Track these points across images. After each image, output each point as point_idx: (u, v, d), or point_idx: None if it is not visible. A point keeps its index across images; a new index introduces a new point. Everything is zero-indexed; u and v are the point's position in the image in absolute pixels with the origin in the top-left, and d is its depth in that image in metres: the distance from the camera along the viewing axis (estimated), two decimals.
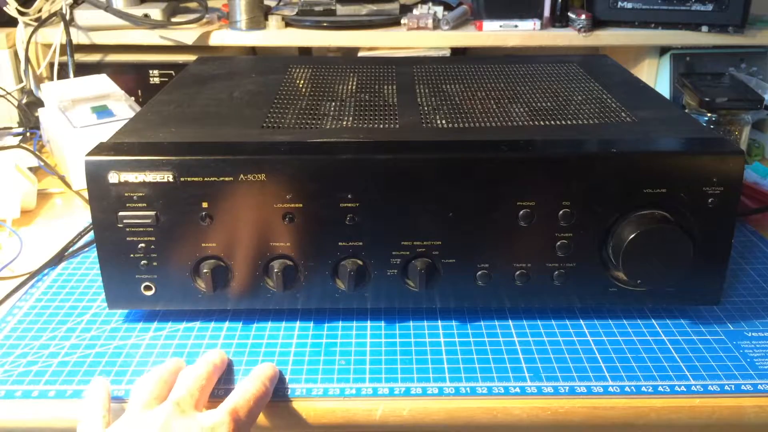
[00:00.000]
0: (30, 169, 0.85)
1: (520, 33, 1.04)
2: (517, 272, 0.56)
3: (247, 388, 0.48)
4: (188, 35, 1.02)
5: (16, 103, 1.02)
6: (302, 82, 0.76)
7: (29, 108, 1.01)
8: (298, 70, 0.80)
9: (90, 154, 0.53)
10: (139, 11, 1.02)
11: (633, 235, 0.53)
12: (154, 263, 0.55)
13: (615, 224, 0.54)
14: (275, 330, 0.59)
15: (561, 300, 0.58)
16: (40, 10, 1.03)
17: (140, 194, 0.53)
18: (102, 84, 0.92)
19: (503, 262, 0.56)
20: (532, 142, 0.57)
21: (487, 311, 0.61)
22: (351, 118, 0.63)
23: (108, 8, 1.01)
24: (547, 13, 1.06)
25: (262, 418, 0.51)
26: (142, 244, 0.55)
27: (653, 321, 0.60)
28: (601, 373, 0.54)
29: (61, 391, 0.52)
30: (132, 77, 1.02)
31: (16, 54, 1.04)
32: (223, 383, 0.52)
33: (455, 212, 0.54)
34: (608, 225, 0.55)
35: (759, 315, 0.61)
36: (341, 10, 1.06)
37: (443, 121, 0.62)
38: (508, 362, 0.55)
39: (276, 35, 1.05)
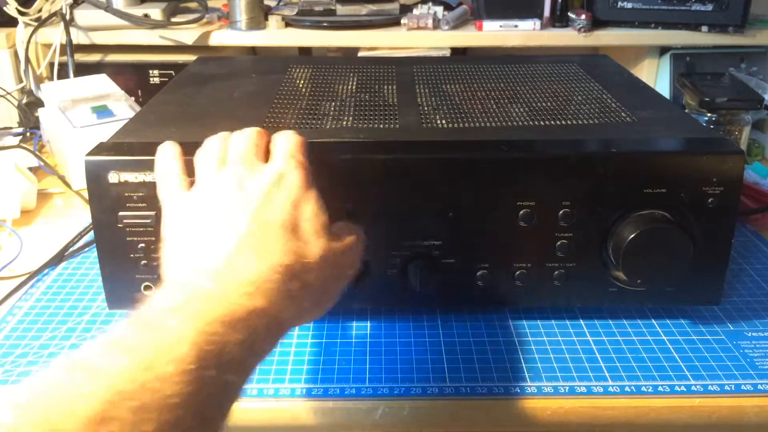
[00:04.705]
0: (30, 169, 0.85)
1: (520, 33, 1.04)
2: (517, 272, 0.56)
3: (291, 141, 0.46)
4: (188, 35, 1.02)
5: (16, 103, 1.02)
6: (302, 82, 0.76)
7: (29, 108, 1.01)
8: (298, 70, 0.80)
9: (90, 154, 0.53)
10: (139, 11, 1.02)
11: (633, 235, 0.52)
12: (154, 263, 0.55)
13: (615, 224, 0.54)
14: None
15: (561, 300, 0.58)
16: (40, 10, 1.03)
17: (140, 194, 0.53)
18: (102, 84, 0.92)
19: (503, 262, 0.56)
20: (532, 142, 0.57)
21: (487, 311, 0.61)
22: (351, 118, 0.63)
23: (108, 8, 1.01)
24: (547, 13, 1.07)
25: (261, 418, 0.51)
26: (142, 244, 0.54)
27: (653, 321, 0.60)
28: (601, 373, 0.54)
29: None
30: (132, 77, 1.03)
31: (16, 54, 1.04)
32: None
33: (455, 212, 0.54)
34: (608, 225, 0.55)
35: (759, 315, 0.61)
36: (341, 10, 1.06)
37: (443, 121, 0.62)
38: (508, 362, 0.55)
39: (276, 35, 1.05)
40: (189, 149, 0.55)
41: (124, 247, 0.55)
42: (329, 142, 0.57)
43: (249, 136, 0.47)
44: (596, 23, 1.04)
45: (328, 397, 0.51)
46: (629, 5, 1.03)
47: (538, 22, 1.04)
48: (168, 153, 0.48)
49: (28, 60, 1.02)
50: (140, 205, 0.53)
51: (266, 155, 0.46)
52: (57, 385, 0.30)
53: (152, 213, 0.53)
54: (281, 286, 0.38)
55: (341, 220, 0.46)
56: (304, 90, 0.73)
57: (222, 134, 0.48)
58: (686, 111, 0.86)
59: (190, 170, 0.47)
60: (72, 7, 1.03)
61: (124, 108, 0.89)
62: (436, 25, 1.05)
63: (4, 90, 1.02)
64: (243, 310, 0.36)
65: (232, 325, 0.35)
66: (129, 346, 0.33)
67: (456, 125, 0.61)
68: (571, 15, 1.06)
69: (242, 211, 0.41)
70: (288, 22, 1.06)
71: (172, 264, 0.42)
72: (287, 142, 0.46)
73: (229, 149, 0.46)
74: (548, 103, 0.67)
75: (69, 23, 1.01)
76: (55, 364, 0.32)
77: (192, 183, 0.46)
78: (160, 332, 0.33)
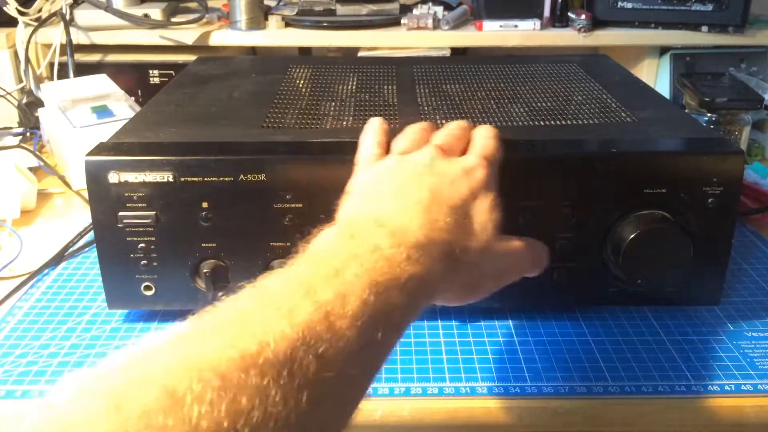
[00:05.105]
0: (30, 169, 0.85)
1: (520, 33, 1.04)
2: None
3: (486, 140, 0.49)
4: (188, 35, 1.02)
5: (16, 103, 1.02)
6: (302, 82, 0.76)
7: (29, 108, 1.01)
8: (298, 70, 0.80)
9: (90, 154, 0.53)
10: (139, 11, 1.02)
11: (633, 235, 0.53)
12: (154, 263, 0.55)
13: (615, 224, 0.54)
14: None
15: (561, 300, 0.58)
16: (40, 10, 1.03)
17: (140, 194, 0.53)
18: (102, 84, 0.92)
19: None
20: (532, 142, 0.57)
21: (487, 311, 0.61)
22: (351, 118, 0.63)
23: (108, 8, 1.01)
24: (547, 13, 1.07)
25: None
26: (142, 244, 0.54)
27: (653, 321, 0.60)
28: (601, 373, 0.54)
29: None
30: (132, 77, 1.02)
31: (16, 54, 1.04)
32: None
33: None
34: (608, 225, 0.55)
35: (759, 315, 0.61)
36: (341, 10, 1.06)
37: (443, 121, 0.62)
38: (508, 362, 0.55)
39: (276, 35, 1.05)
40: (193, 149, 0.55)
41: (124, 247, 0.55)
42: (329, 142, 0.57)
43: (453, 128, 0.50)
44: (596, 23, 1.04)
45: None
46: (629, 5, 1.03)
47: (538, 22, 1.04)
48: (376, 123, 0.52)
49: (28, 60, 1.02)
50: (140, 205, 0.53)
51: (464, 150, 0.49)
52: (249, 316, 0.31)
53: (152, 213, 0.53)
54: (437, 259, 0.39)
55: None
56: (304, 90, 0.73)
57: (426, 123, 0.51)
58: (686, 111, 0.86)
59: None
60: (72, 7, 1.03)
61: (124, 108, 0.89)
62: (436, 25, 1.05)
63: (4, 90, 1.02)
64: (405, 275, 0.37)
65: (397, 287, 0.36)
66: (312, 291, 0.33)
67: None
68: (571, 15, 1.06)
69: (424, 183, 0.43)
70: (288, 22, 1.06)
71: (345, 210, 0.44)
72: (486, 142, 0.48)
73: (432, 137, 0.49)
74: (548, 103, 0.67)
75: (69, 23, 1.01)
76: (244, 294, 0.32)
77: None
78: (340, 283, 0.34)
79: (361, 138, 0.51)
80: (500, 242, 0.45)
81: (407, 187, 0.43)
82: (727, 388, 0.52)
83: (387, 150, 0.49)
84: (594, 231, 0.55)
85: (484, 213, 0.44)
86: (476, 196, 0.44)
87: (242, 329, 0.30)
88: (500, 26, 1.04)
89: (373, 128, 0.51)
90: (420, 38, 1.04)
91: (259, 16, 1.04)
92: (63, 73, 1.02)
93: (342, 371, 0.31)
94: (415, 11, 1.08)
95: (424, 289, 0.38)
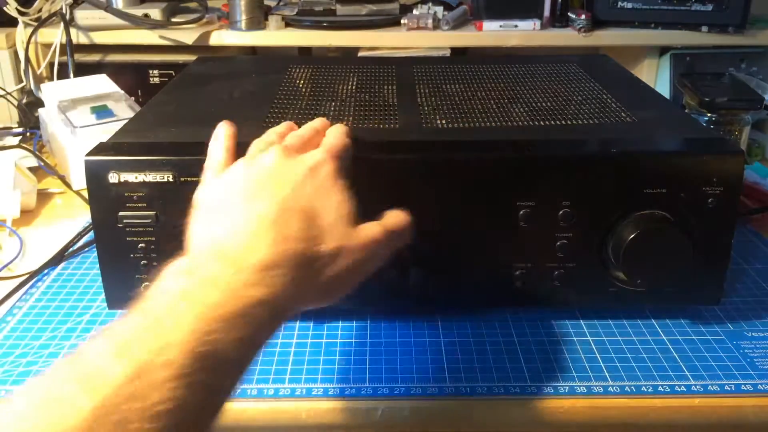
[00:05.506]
0: (30, 169, 0.85)
1: (520, 33, 1.04)
2: (517, 272, 0.56)
3: (335, 138, 0.49)
4: (188, 35, 1.02)
5: (16, 103, 1.02)
6: (302, 82, 0.76)
7: (29, 108, 1.01)
8: (298, 70, 0.80)
9: (90, 154, 0.53)
10: (139, 11, 1.02)
11: (633, 235, 0.52)
12: (154, 263, 0.55)
13: (615, 224, 0.54)
14: None
15: (561, 300, 0.58)
16: (40, 10, 1.03)
17: (140, 194, 0.53)
18: (102, 84, 0.92)
19: (503, 262, 0.56)
20: (532, 142, 0.57)
21: (488, 311, 0.61)
22: (351, 118, 0.63)
23: (108, 8, 1.01)
24: (547, 13, 1.07)
25: (261, 418, 0.51)
26: (142, 244, 0.54)
27: (653, 321, 0.60)
28: (601, 373, 0.54)
29: None
30: (132, 77, 1.02)
31: (16, 54, 1.04)
32: None
33: (455, 212, 0.54)
34: (608, 225, 0.55)
35: (759, 315, 0.61)
36: (341, 10, 1.06)
37: (443, 121, 0.62)
38: (508, 362, 0.55)
39: (276, 35, 1.05)
40: (193, 149, 0.55)
41: (124, 247, 0.55)
42: None
43: (305, 130, 0.50)
44: (596, 23, 1.04)
45: (328, 397, 0.51)
46: (629, 5, 1.03)
47: (538, 22, 1.04)
48: (224, 129, 0.50)
49: (28, 60, 1.02)
50: (140, 205, 0.53)
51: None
52: (52, 397, 0.30)
53: (152, 213, 0.53)
54: (287, 272, 0.38)
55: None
56: (304, 90, 0.73)
57: (287, 123, 0.51)
58: (686, 111, 0.86)
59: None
60: (72, 7, 1.03)
61: (124, 108, 0.89)
62: (436, 25, 1.05)
63: (4, 90, 1.02)
64: (248, 302, 0.36)
65: (232, 321, 0.35)
66: (127, 346, 0.32)
67: (456, 125, 0.61)
68: (571, 15, 1.06)
69: (271, 195, 0.42)
70: (288, 22, 1.06)
71: (192, 234, 0.43)
72: (330, 137, 0.49)
73: (285, 138, 0.49)
74: (548, 103, 0.67)
75: (69, 23, 1.01)
76: (56, 367, 0.31)
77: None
78: (161, 329, 0.33)
79: (209, 145, 0.49)
80: (354, 234, 0.43)
81: (255, 200, 0.42)
82: (727, 388, 0.52)
83: (235, 156, 0.48)
84: (594, 231, 0.55)
85: (334, 210, 0.43)
86: (324, 192, 0.44)
87: (43, 414, 0.29)
88: (500, 26, 1.04)
89: (222, 133, 0.49)
90: (420, 38, 1.04)
91: (259, 16, 1.04)
92: (63, 73, 1.02)
93: (161, 425, 0.30)
94: (415, 11, 1.08)
95: (275, 309, 0.37)
